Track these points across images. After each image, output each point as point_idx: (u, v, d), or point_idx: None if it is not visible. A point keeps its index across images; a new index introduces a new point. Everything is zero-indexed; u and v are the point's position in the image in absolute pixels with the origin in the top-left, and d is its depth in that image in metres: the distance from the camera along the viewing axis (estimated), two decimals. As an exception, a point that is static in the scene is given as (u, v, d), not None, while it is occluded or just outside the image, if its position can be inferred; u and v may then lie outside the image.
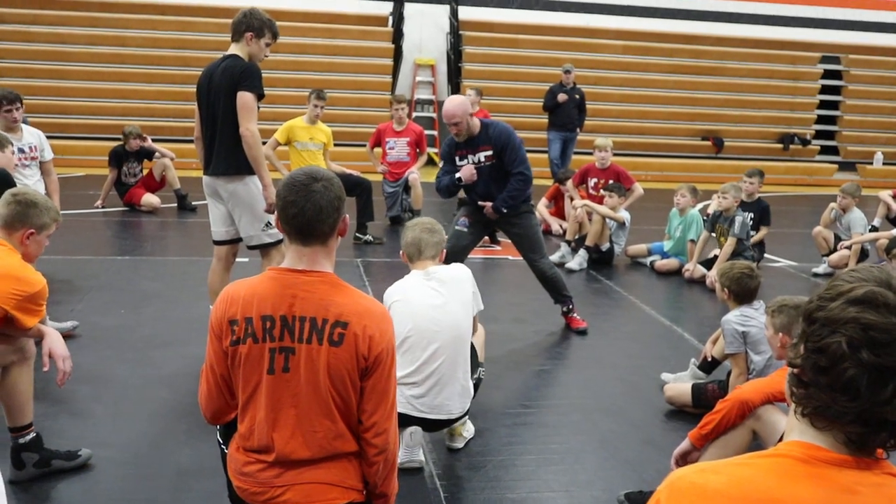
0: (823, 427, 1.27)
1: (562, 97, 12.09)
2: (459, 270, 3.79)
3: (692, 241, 7.84)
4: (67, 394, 4.25)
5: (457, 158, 5.58)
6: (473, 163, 5.52)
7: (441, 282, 3.64)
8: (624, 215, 8.16)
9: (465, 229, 5.65)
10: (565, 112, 12.23)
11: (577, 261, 7.89)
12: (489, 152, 5.46)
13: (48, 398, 4.15)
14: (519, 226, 5.65)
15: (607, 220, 8.05)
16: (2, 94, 6.36)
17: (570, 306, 5.91)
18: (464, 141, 5.51)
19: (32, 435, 3.43)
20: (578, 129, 12.48)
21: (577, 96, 12.31)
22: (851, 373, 1.21)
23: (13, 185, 4.54)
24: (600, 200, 8.45)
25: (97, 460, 3.59)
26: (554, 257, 7.99)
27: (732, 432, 3.29)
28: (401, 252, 3.85)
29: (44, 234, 3.43)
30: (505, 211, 5.55)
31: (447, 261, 5.53)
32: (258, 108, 4.74)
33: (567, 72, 12.25)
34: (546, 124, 12.58)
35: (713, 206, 10.09)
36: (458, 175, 5.60)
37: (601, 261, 8.07)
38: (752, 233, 7.68)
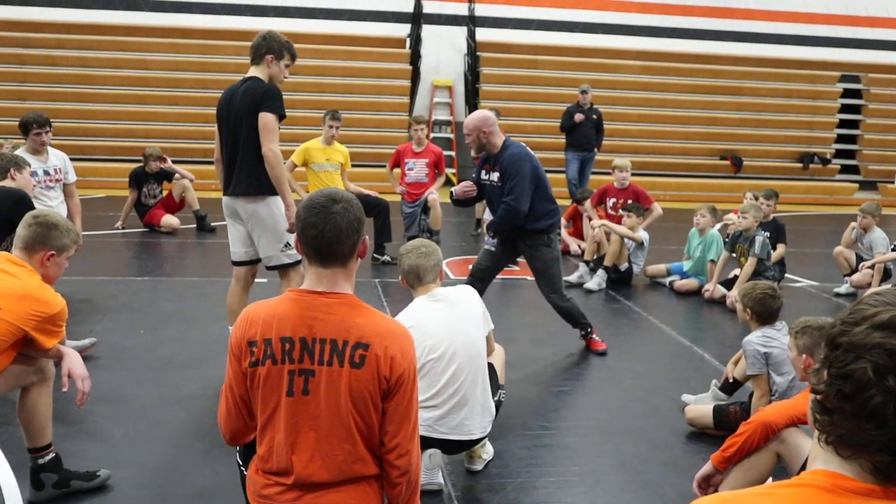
0: (849, 455, 1.23)
1: (578, 117, 12.08)
2: (465, 291, 3.79)
3: (712, 261, 7.79)
4: (86, 414, 4.27)
5: (482, 172, 5.60)
6: (491, 181, 5.53)
7: (449, 302, 3.64)
8: (642, 235, 8.13)
9: (493, 249, 5.63)
10: (582, 132, 12.21)
11: (596, 281, 7.87)
12: (498, 174, 5.46)
13: (67, 419, 4.16)
14: (533, 256, 5.58)
15: (626, 239, 8.03)
16: (33, 117, 6.46)
17: (589, 330, 5.88)
18: (488, 157, 5.54)
19: (52, 455, 3.44)
20: (596, 150, 12.46)
21: (595, 116, 12.30)
22: (878, 400, 1.18)
23: (32, 207, 4.59)
24: (619, 220, 8.42)
25: (116, 481, 3.59)
26: (572, 277, 7.98)
27: (756, 455, 3.25)
28: (400, 278, 3.83)
29: (64, 255, 3.44)
30: (491, 235, 5.59)
31: (472, 277, 5.58)
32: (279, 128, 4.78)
33: (584, 92, 12.25)
34: (564, 145, 12.57)
35: (732, 226, 10.05)
36: (453, 189, 5.69)
37: (620, 281, 8.04)
38: (771, 252, 7.62)
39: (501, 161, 5.42)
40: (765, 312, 4.28)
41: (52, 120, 6.80)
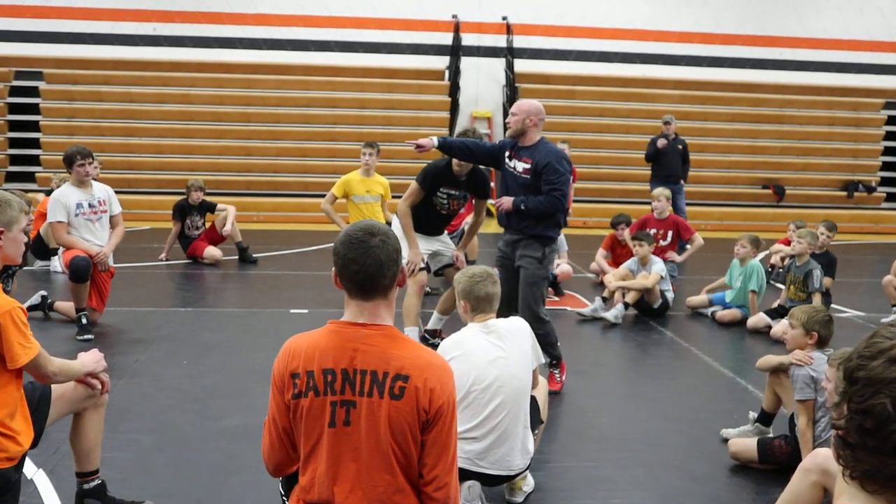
0: (875, 490, 1.21)
1: (661, 142, 11.70)
2: (518, 323, 3.77)
3: (753, 291, 7.68)
4: (131, 443, 4.32)
5: (507, 156, 5.47)
6: (515, 169, 5.35)
7: (500, 336, 3.62)
8: (658, 269, 7.89)
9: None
10: (669, 162, 11.78)
11: (613, 313, 7.59)
12: (528, 166, 5.29)
13: (111, 446, 4.20)
14: (523, 268, 5.36)
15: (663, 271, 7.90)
16: (77, 150, 6.68)
17: (554, 363, 5.55)
18: (515, 145, 5.41)
19: (97, 482, 3.49)
20: (682, 181, 12.02)
21: (680, 147, 11.93)
22: None
23: None
24: (663, 251, 8.33)
25: (159, 510, 3.62)
26: (586, 310, 7.73)
27: (802, 490, 3.18)
28: (462, 303, 3.77)
29: (15, 229, 3.17)
30: (522, 208, 5.25)
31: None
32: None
33: (667, 123, 11.89)
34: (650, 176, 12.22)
35: (777, 254, 9.90)
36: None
37: (656, 313, 7.89)
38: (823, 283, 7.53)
39: (537, 153, 5.26)
40: (828, 336, 4.30)
41: (98, 154, 6.99)
